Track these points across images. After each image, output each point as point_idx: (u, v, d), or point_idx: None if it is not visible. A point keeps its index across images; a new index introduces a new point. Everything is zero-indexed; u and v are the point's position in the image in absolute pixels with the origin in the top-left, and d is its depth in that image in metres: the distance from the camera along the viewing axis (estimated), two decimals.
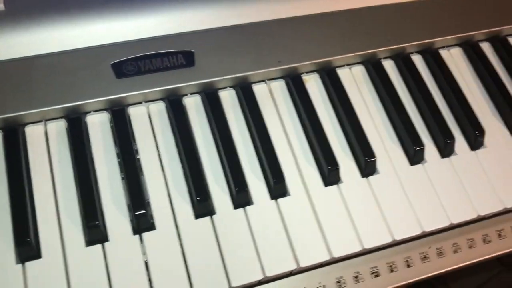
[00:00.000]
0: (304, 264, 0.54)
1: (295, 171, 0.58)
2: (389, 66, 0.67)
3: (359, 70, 0.67)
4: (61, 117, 0.57)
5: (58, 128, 0.57)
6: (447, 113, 0.65)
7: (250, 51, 0.62)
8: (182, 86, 0.60)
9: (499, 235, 0.62)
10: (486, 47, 0.71)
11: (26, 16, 0.56)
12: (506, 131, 0.65)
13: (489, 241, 0.61)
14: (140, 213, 0.52)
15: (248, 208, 0.55)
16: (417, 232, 0.57)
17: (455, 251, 0.60)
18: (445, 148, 0.62)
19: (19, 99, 0.56)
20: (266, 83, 0.64)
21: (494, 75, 0.68)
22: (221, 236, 0.54)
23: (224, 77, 0.61)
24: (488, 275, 0.92)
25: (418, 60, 0.69)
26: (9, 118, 0.55)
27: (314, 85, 0.65)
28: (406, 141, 0.62)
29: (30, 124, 0.57)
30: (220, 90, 0.62)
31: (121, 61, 0.58)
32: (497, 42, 0.71)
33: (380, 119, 0.63)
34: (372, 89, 0.66)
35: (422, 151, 0.61)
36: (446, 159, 0.62)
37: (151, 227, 0.53)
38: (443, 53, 0.70)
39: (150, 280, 0.51)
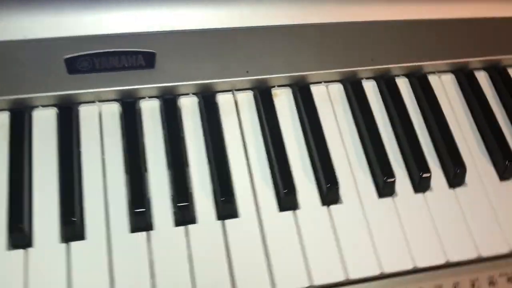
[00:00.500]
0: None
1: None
2: (371, 88, 0.62)
3: (337, 89, 0.61)
4: (5, 109, 0.54)
5: (1, 121, 0.54)
6: (427, 144, 0.59)
7: (216, 58, 0.57)
8: (139, 88, 0.56)
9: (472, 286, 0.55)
10: (482, 77, 0.65)
11: None
12: (493, 171, 0.59)
13: None
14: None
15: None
16: (376, 272, 0.52)
17: None
18: (419, 183, 0.56)
19: None
20: (233, 93, 0.59)
21: (486, 107, 0.62)
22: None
23: (186, 83, 0.57)
24: None
25: (403, 84, 0.63)
26: None
27: (284, 100, 0.60)
28: (376, 171, 0.56)
29: None
30: (181, 96, 0.58)
31: (75, 56, 0.55)
32: (495, 72, 0.65)
33: (351, 144, 0.58)
34: (348, 111, 0.60)
35: (392, 183, 0.55)
36: (420, 194, 0.56)
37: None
38: (433, 78, 0.64)
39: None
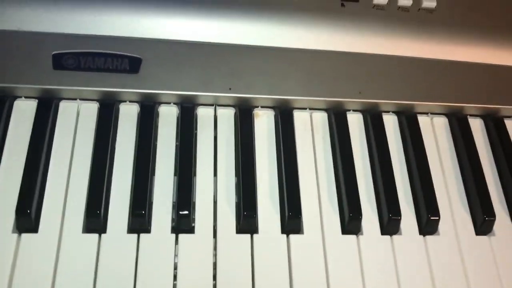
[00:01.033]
0: None
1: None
2: (355, 120, 0.60)
3: (320, 117, 0.60)
4: None
5: None
6: (404, 185, 0.57)
7: (201, 71, 0.57)
8: (120, 91, 0.56)
9: None
10: (477, 124, 0.63)
11: None
12: (470, 223, 0.56)
13: None
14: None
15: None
16: None
17: None
18: (388, 225, 0.54)
19: None
20: (215, 108, 0.59)
21: (474, 156, 0.59)
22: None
23: (167, 92, 0.57)
24: None
25: (390, 121, 0.61)
26: None
27: (263, 122, 0.59)
28: (344, 206, 0.54)
29: None
30: (161, 105, 0.58)
31: (62, 52, 0.56)
32: (490, 121, 0.62)
33: (325, 175, 0.57)
34: (327, 140, 0.59)
35: (358, 221, 0.53)
36: (387, 237, 0.54)
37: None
38: (424, 119, 0.62)
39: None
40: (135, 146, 0.55)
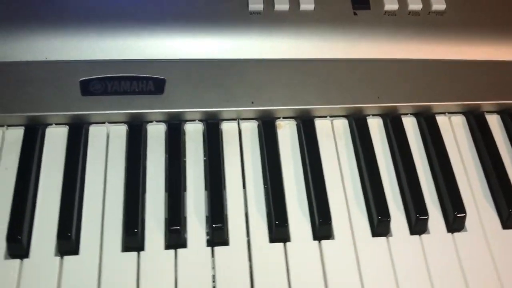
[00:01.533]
0: None
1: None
2: (375, 124, 0.62)
3: (341, 123, 0.62)
4: (20, 125, 0.58)
5: (16, 136, 0.57)
6: (429, 185, 0.59)
7: (222, 87, 0.59)
8: (147, 112, 0.58)
9: None
10: (494, 120, 0.64)
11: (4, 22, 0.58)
12: (496, 218, 0.58)
13: None
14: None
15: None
16: None
17: None
18: (416, 224, 0.55)
19: None
20: (238, 122, 0.61)
21: (494, 152, 0.60)
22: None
23: (192, 110, 0.59)
24: None
25: (410, 123, 0.63)
26: None
27: (287, 132, 0.61)
28: (372, 209, 0.56)
29: None
30: (187, 122, 0.60)
31: (89, 78, 0.58)
32: (508, 116, 0.64)
33: (350, 180, 0.58)
34: (350, 146, 0.60)
35: (387, 222, 0.55)
36: (416, 236, 0.55)
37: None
38: (442, 119, 0.63)
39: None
40: (165, 164, 0.57)
